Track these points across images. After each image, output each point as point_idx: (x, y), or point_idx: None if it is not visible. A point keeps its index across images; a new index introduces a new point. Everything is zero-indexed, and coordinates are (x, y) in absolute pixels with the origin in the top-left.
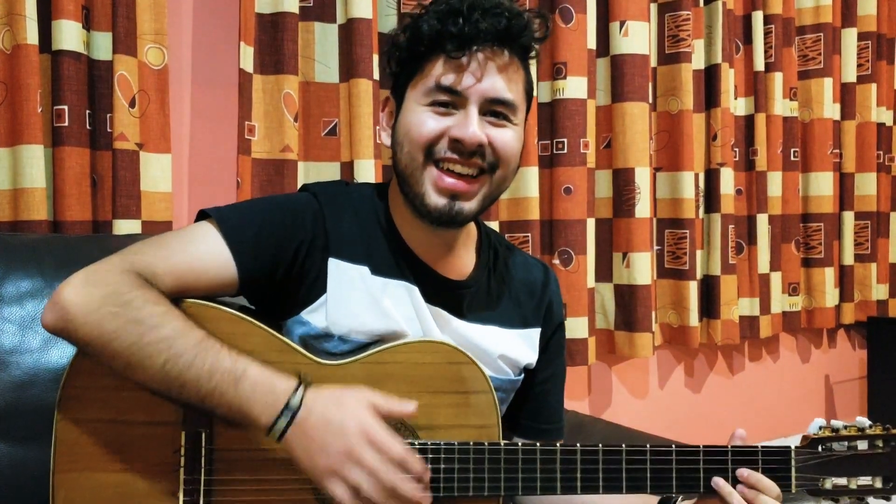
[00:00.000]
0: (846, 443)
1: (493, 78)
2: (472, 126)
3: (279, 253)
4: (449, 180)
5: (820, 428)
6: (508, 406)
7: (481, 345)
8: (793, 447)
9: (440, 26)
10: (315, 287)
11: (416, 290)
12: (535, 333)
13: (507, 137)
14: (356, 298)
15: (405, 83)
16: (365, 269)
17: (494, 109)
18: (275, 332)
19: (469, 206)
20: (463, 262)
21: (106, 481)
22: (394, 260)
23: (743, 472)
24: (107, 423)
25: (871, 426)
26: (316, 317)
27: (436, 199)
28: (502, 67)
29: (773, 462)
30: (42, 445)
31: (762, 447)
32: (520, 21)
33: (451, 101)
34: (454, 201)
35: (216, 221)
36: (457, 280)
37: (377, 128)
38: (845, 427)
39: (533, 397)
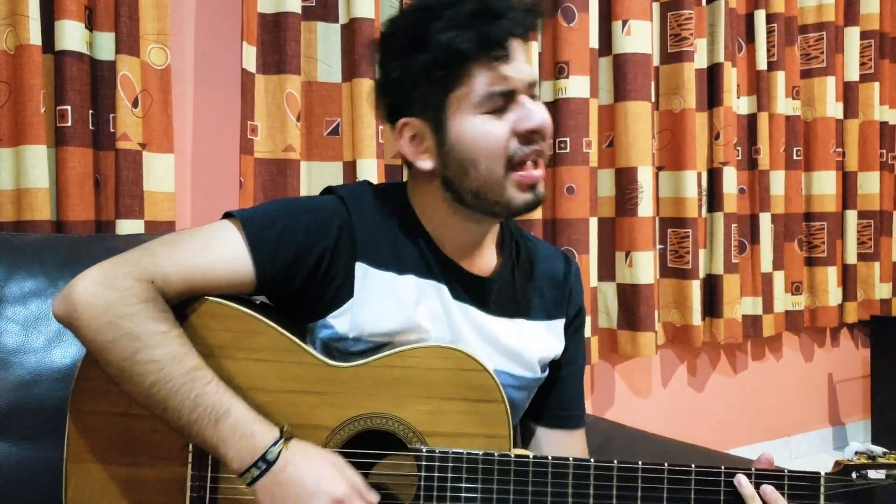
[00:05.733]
0: (885, 471)
1: (524, 64)
2: (537, 113)
3: (299, 258)
4: (533, 173)
5: (856, 454)
6: None
7: (514, 345)
8: (822, 473)
9: (477, 33)
10: (341, 292)
11: (444, 288)
12: (559, 324)
13: (545, 111)
14: (384, 302)
15: (439, 100)
16: (393, 272)
17: (531, 92)
18: (285, 331)
19: (543, 187)
20: (488, 257)
21: (115, 473)
22: (421, 259)
23: (766, 489)
24: (117, 416)
25: None
26: (341, 322)
27: (522, 198)
28: (524, 51)
29: (800, 488)
30: (46, 445)
31: (789, 472)
32: (533, 6)
33: (503, 102)
34: (535, 189)
35: (240, 222)
36: (483, 276)
37: (399, 151)
38: (884, 454)
39: (553, 384)
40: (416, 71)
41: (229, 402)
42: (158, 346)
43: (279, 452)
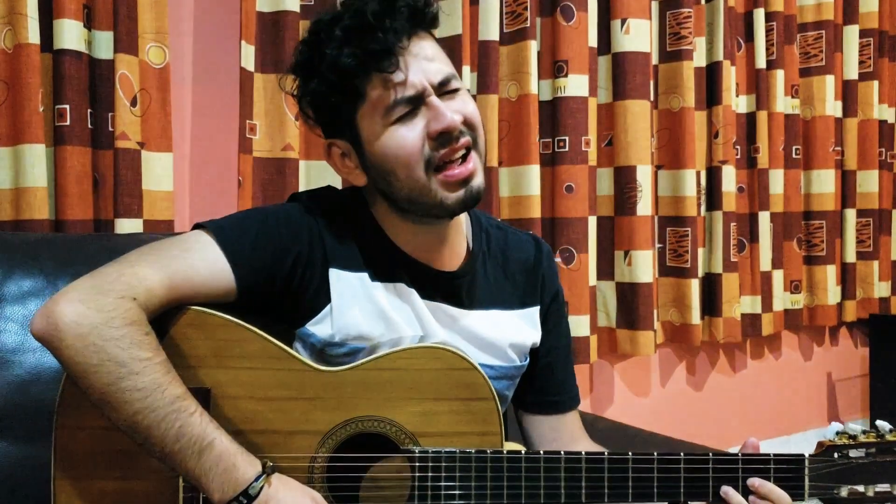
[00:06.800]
0: (864, 450)
1: (428, 63)
2: (446, 113)
3: (276, 263)
4: (456, 171)
5: (837, 434)
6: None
7: (488, 336)
8: (807, 455)
9: (363, 50)
10: (318, 298)
11: (412, 290)
12: (534, 312)
13: (468, 105)
14: (359, 307)
15: (349, 118)
16: (364, 276)
17: (445, 89)
18: (272, 339)
19: (479, 180)
20: (455, 251)
21: (104, 488)
22: (387, 263)
23: (754, 482)
24: (104, 431)
25: (891, 431)
26: (321, 328)
27: (454, 196)
28: (427, 48)
29: (786, 471)
30: (44, 444)
31: (774, 455)
32: (417, 4)
33: (410, 107)
34: (468, 185)
35: (212, 233)
36: (451, 271)
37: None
38: (864, 433)
39: (538, 373)
40: (316, 95)
41: (213, 434)
42: (142, 373)
43: (261, 488)
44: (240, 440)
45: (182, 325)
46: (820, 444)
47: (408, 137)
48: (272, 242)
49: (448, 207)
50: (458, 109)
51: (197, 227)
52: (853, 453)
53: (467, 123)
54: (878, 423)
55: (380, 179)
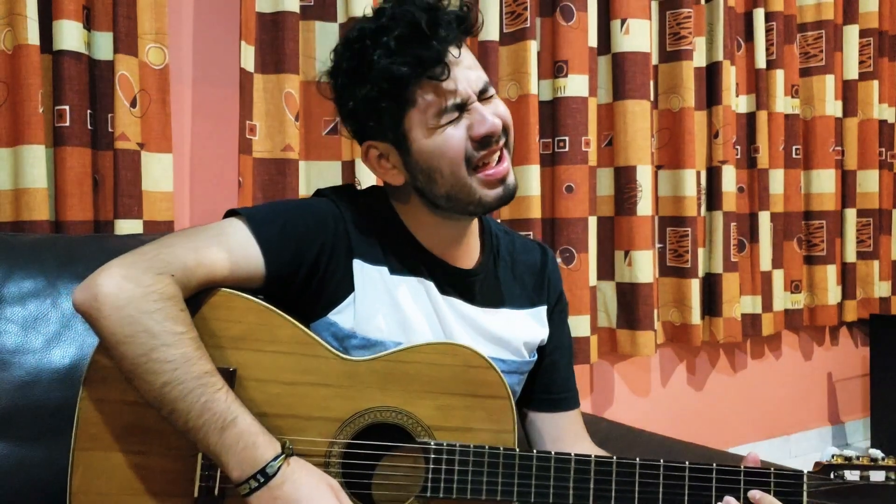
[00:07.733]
0: (858, 472)
1: (470, 72)
2: (488, 119)
3: (302, 251)
4: (493, 171)
5: (833, 456)
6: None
7: (500, 332)
8: (805, 472)
9: (415, 58)
10: (341, 288)
11: (431, 284)
12: (542, 311)
13: (500, 107)
14: (378, 300)
15: (395, 122)
16: (384, 269)
17: (484, 95)
18: (301, 326)
19: (513, 178)
20: (470, 250)
21: (124, 461)
22: (408, 258)
23: (755, 494)
24: (129, 405)
25: (883, 458)
26: (343, 317)
27: (493, 194)
28: (467, 56)
29: (785, 485)
30: (45, 445)
31: (775, 469)
32: (463, 13)
33: (458, 114)
34: (504, 183)
35: (245, 218)
36: (467, 269)
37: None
38: (858, 457)
39: (543, 370)
40: (365, 101)
41: (236, 412)
42: (174, 346)
43: (279, 468)
44: (260, 422)
45: (212, 305)
46: (817, 464)
47: (455, 136)
48: (300, 231)
49: (486, 204)
50: (496, 113)
51: (230, 214)
52: (848, 475)
53: (503, 125)
54: (871, 451)
55: (422, 177)
